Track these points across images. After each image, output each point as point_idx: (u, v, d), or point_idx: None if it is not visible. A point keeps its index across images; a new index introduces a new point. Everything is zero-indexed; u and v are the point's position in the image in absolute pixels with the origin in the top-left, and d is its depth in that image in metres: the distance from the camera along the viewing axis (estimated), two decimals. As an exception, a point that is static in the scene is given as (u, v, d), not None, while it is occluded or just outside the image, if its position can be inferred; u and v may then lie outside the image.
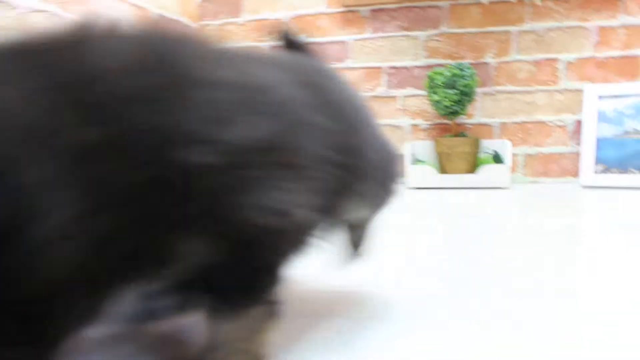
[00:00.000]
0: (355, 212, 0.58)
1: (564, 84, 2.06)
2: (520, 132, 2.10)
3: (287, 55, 0.59)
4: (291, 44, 0.63)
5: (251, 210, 0.38)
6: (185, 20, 2.25)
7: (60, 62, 0.32)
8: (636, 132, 1.94)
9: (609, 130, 1.98)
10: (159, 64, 0.36)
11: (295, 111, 0.44)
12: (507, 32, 2.09)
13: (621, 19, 2.01)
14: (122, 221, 0.32)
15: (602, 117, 1.99)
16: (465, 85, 1.91)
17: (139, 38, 0.37)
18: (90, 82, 0.32)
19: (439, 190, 1.95)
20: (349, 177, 0.51)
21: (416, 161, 2.11)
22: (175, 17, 2.17)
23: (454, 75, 1.92)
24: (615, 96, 1.99)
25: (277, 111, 0.41)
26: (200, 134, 0.35)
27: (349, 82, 0.58)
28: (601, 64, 2.04)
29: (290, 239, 0.44)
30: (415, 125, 2.17)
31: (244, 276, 0.41)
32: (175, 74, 0.36)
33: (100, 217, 0.30)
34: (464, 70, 1.93)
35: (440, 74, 1.94)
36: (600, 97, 2.00)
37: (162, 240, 0.35)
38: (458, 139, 1.97)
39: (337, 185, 0.49)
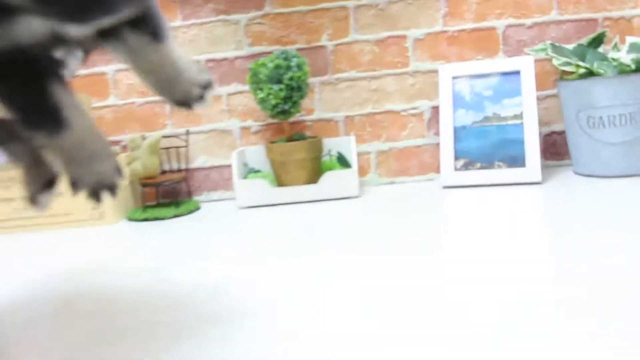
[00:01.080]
0: None
1: (414, 65, 1.77)
2: (369, 125, 1.80)
3: None
4: None
5: None
6: None
7: None
8: (498, 117, 1.68)
9: (467, 118, 1.70)
10: None
11: None
12: (343, 7, 1.76)
13: (473, -15, 1.74)
14: None
15: (459, 102, 1.71)
16: (292, 78, 1.58)
17: None
18: None
19: (274, 207, 1.63)
20: None
21: (251, 171, 1.77)
22: None
23: (278, 67, 1.58)
24: (472, 76, 1.72)
25: None
26: None
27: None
28: (454, 39, 1.76)
29: None
30: (245, 128, 1.82)
31: None
32: None
33: None
34: (290, 60, 1.59)
35: (263, 65, 1.59)
36: (454, 78, 1.73)
37: None
38: (292, 144, 1.63)
39: None
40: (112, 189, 0.70)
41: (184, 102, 0.72)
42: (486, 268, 0.89)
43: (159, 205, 1.72)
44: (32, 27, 0.54)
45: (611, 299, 0.72)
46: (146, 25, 0.65)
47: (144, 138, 1.72)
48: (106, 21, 0.49)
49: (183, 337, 0.73)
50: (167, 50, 0.68)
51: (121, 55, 0.67)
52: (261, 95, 1.60)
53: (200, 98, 0.73)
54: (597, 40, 1.65)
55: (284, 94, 1.58)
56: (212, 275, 1.01)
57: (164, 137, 1.78)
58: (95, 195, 0.69)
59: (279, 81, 1.58)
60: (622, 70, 1.51)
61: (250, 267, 1.04)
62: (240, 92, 1.80)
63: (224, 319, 0.78)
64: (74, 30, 0.49)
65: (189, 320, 0.79)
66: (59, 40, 0.58)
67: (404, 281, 0.86)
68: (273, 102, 1.59)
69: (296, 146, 1.63)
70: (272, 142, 1.69)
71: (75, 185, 0.68)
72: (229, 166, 1.82)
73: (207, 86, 0.73)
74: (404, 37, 1.76)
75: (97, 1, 0.47)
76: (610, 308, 0.70)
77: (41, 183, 0.79)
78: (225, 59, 1.80)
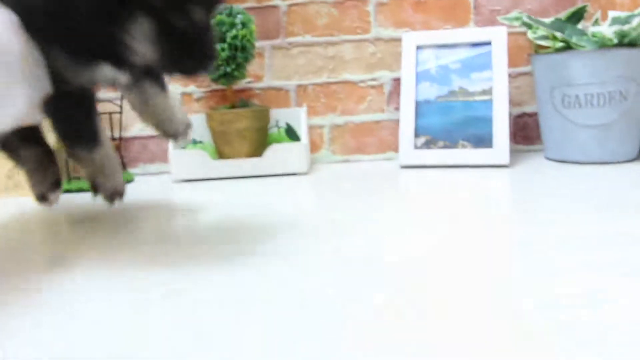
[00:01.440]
0: None
1: (375, 31, 1.60)
2: (324, 96, 1.63)
3: None
4: None
5: None
6: None
7: None
8: (464, 92, 1.52)
9: (431, 91, 1.55)
10: None
11: None
12: (300, -36, 1.59)
13: (444, -54, 1.57)
14: None
15: (424, 75, 1.56)
16: (236, 37, 1.40)
17: None
18: None
19: (214, 181, 1.46)
20: None
21: (194, 142, 1.59)
22: None
23: (221, 23, 1.40)
24: (438, 46, 1.56)
25: None
26: None
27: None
28: (420, 5, 1.60)
29: None
30: (187, 94, 1.64)
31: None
32: None
33: None
34: (234, 17, 1.42)
35: (205, 21, 1.41)
36: (419, 47, 1.57)
37: None
38: (235, 112, 1.46)
39: None
40: (121, 195, 1.00)
41: (174, 136, 0.98)
42: (439, 257, 0.74)
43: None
44: (106, 73, 0.74)
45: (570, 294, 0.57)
46: (158, 79, 0.93)
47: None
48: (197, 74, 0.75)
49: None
50: (168, 98, 0.96)
51: (136, 98, 0.91)
52: (202, 55, 1.42)
53: (185, 134, 0.99)
54: (577, 15, 1.51)
55: (226, 54, 1.40)
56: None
57: (97, 101, 1.59)
58: (110, 199, 0.96)
59: (222, 40, 1.40)
60: (603, 45, 1.37)
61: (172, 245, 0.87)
62: (181, 53, 1.62)
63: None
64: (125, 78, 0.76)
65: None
66: (112, 81, 0.78)
67: (344, 274, 0.70)
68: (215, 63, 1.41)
69: (239, 114, 1.46)
70: (213, 110, 1.51)
71: (96, 191, 0.95)
72: (166, 135, 1.64)
73: (189, 126, 1.01)
74: (365, 0, 1.60)
75: (201, 64, 0.73)
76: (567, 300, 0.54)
77: (50, 183, 0.99)
78: (165, 15, 1.61)
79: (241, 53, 1.42)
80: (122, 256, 0.82)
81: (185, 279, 0.71)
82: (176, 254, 0.81)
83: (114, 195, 0.97)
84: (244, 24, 1.42)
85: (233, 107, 1.49)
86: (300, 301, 0.61)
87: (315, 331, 0.53)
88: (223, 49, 1.40)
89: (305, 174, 1.48)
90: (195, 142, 1.59)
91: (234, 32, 1.40)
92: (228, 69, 1.42)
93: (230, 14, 1.42)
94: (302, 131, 1.51)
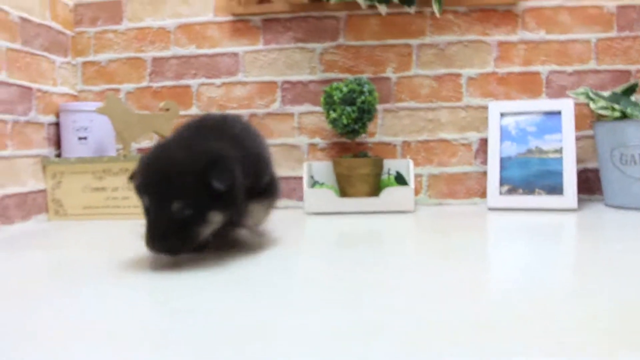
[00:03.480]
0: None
1: (466, 100, 2.05)
2: (424, 151, 2.07)
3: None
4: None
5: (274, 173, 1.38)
6: (55, 25, 2.07)
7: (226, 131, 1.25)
8: (540, 150, 1.95)
9: (512, 149, 1.98)
10: (249, 131, 1.34)
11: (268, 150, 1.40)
12: (407, 45, 2.06)
13: (520, 34, 2.03)
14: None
15: (506, 136, 1.99)
16: (364, 102, 1.85)
17: (234, 116, 1.38)
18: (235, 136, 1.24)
19: (339, 215, 1.88)
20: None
21: (315, 183, 2.03)
22: (42, 22, 1.99)
23: (352, 90, 1.86)
24: (517, 113, 2.00)
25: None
26: (265, 149, 1.38)
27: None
28: (503, 80, 2.04)
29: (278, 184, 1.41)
30: (313, 145, 2.09)
31: (269, 190, 1.34)
32: (256, 135, 1.36)
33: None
34: (362, 86, 1.87)
35: (338, 89, 1.87)
36: (502, 114, 2.00)
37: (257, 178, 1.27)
38: (358, 160, 1.90)
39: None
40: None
41: (252, 228, 1.34)
42: (523, 283, 1.14)
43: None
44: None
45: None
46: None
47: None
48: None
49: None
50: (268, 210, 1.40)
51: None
52: (334, 115, 1.87)
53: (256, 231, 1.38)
54: (630, 90, 1.94)
55: (355, 115, 1.85)
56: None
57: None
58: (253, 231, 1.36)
59: (352, 103, 1.85)
60: (653, 116, 1.80)
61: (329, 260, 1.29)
62: (311, 112, 2.08)
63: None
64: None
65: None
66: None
67: (451, 289, 1.11)
68: (345, 121, 1.86)
69: (362, 162, 1.90)
70: (340, 157, 1.95)
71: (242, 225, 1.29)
72: (295, 177, 2.09)
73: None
74: (459, 75, 2.05)
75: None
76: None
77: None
78: (299, 82, 2.08)
79: (367, 115, 1.87)
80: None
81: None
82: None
83: (255, 225, 1.34)
84: (369, 92, 1.87)
85: (355, 156, 1.93)
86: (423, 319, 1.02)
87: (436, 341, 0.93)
88: (353, 111, 1.85)
89: (412, 212, 1.90)
90: (319, 183, 2.03)
91: (362, 97, 1.85)
92: (355, 127, 1.87)
93: (359, 84, 1.87)
94: (410, 178, 1.94)
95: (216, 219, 1.12)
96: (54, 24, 2.07)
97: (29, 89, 1.91)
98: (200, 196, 1.07)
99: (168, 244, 1.07)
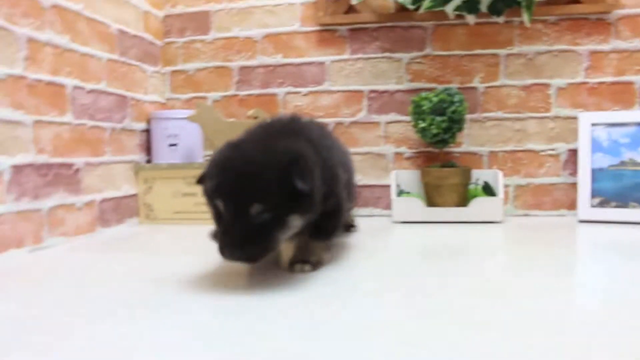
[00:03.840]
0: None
1: (555, 110, 2.03)
2: (511, 161, 2.05)
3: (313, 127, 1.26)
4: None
5: (342, 195, 1.21)
6: (147, 37, 2.14)
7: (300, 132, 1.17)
8: (633, 162, 1.91)
9: (604, 161, 1.94)
10: (322, 132, 1.26)
11: (347, 165, 1.33)
12: (495, 55, 2.05)
13: (613, 43, 2.00)
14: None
15: (597, 147, 1.96)
16: (454, 112, 1.85)
17: (309, 121, 1.28)
18: (310, 139, 1.15)
19: (426, 224, 1.88)
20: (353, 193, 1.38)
21: (401, 192, 2.04)
22: (137, 33, 2.06)
23: (442, 100, 1.86)
24: (610, 124, 1.96)
25: (345, 166, 1.28)
26: (339, 167, 1.22)
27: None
28: (593, 90, 2.01)
29: (345, 213, 1.27)
30: (398, 154, 2.10)
31: (330, 225, 1.21)
32: (332, 140, 1.30)
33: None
34: (453, 96, 1.87)
35: (427, 99, 1.87)
36: (593, 125, 1.97)
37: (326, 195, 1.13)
38: (448, 170, 1.90)
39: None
40: (322, 264, 1.24)
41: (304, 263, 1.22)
42: (612, 298, 1.12)
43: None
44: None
45: None
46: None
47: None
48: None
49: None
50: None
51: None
52: (423, 124, 1.88)
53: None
54: None
55: (445, 125, 1.85)
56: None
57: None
58: (314, 266, 1.20)
59: (442, 113, 1.85)
60: None
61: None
62: (397, 122, 2.09)
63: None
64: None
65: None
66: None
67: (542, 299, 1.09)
68: (434, 131, 1.86)
69: (451, 172, 1.89)
70: (427, 167, 1.95)
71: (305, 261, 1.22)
72: (380, 186, 2.10)
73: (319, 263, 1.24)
74: (547, 85, 2.03)
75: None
76: None
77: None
78: (386, 91, 2.10)
79: (456, 125, 1.87)
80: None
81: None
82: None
83: (317, 264, 1.20)
84: (460, 102, 1.87)
85: (443, 166, 1.93)
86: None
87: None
88: (443, 121, 1.85)
89: (500, 222, 1.88)
90: (405, 192, 2.03)
91: (452, 107, 1.85)
92: (445, 137, 1.87)
93: (449, 94, 1.87)
94: (499, 188, 1.93)
95: (296, 223, 1.05)
96: (146, 35, 2.13)
97: (124, 97, 1.97)
98: (280, 198, 1.00)
99: (247, 251, 0.99)
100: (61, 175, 1.63)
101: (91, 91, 1.77)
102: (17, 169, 1.46)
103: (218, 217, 1.04)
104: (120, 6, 1.95)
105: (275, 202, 0.99)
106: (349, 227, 1.70)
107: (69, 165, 1.67)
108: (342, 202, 1.20)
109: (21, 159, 1.47)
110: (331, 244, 1.22)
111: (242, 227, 0.99)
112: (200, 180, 1.10)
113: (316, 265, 1.20)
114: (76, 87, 1.70)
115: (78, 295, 1.04)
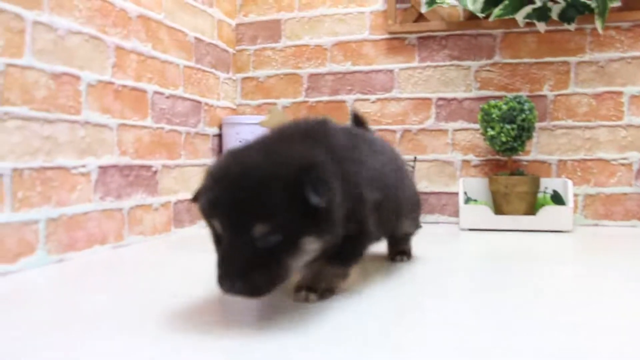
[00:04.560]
0: (403, 228, 1.30)
1: (628, 119, 2.00)
2: (580, 170, 2.04)
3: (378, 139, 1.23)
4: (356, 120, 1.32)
5: (366, 221, 0.99)
6: (221, 44, 2.22)
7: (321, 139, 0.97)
8: None
9: (679, 171, 1.91)
10: (353, 141, 1.05)
11: (385, 182, 1.08)
12: (565, 62, 2.04)
13: (689, 51, 1.97)
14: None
15: (672, 156, 1.93)
16: (524, 120, 1.86)
17: (342, 128, 1.07)
18: (333, 148, 0.96)
19: (493, 232, 1.88)
20: (399, 210, 1.18)
21: (468, 200, 2.05)
22: (211, 41, 2.14)
23: (512, 108, 1.86)
24: (686, 134, 1.93)
25: (381, 187, 1.05)
26: (365, 187, 0.98)
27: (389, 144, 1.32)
28: (669, 98, 1.98)
29: (370, 242, 1.06)
30: (466, 161, 2.11)
31: (348, 251, 0.99)
32: (361, 153, 1.05)
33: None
34: (522, 104, 1.87)
35: (497, 107, 1.88)
36: (669, 134, 1.94)
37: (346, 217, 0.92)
38: (517, 178, 1.90)
39: (396, 215, 1.17)
40: (333, 293, 1.01)
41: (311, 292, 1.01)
42: None
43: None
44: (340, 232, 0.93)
45: None
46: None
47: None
48: None
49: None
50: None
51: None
52: (492, 132, 1.89)
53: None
54: None
55: (515, 133, 1.86)
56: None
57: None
58: (322, 296, 0.98)
59: (512, 121, 1.86)
60: None
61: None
62: (465, 129, 2.11)
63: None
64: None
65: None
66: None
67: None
68: (503, 139, 1.87)
69: (520, 180, 1.90)
70: (496, 175, 1.96)
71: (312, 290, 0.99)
72: (447, 193, 2.12)
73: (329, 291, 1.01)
74: (620, 93, 2.01)
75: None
76: None
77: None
78: (454, 99, 2.12)
79: (526, 133, 1.87)
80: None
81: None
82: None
83: (325, 292, 0.98)
84: (530, 110, 1.87)
85: (512, 174, 1.94)
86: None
87: None
88: (513, 129, 1.85)
89: (569, 231, 1.87)
90: (472, 200, 2.04)
91: (522, 116, 1.85)
92: (514, 145, 1.87)
93: (519, 102, 1.87)
94: (569, 197, 1.92)
95: (311, 247, 0.86)
96: (219, 43, 2.22)
97: (199, 102, 2.05)
98: (291, 216, 0.81)
99: (250, 282, 0.80)
100: (141, 177, 1.72)
101: (169, 96, 1.86)
102: (103, 169, 1.54)
103: (217, 240, 0.87)
104: (196, 15, 2.04)
105: (284, 221, 0.81)
106: (403, 253, 1.38)
107: (148, 167, 1.75)
108: (366, 226, 1.00)
109: (106, 160, 1.56)
110: (349, 272, 1.02)
111: (243, 253, 0.80)
112: (196, 197, 0.89)
113: (324, 294, 0.98)
114: (156, 93, 1.78)
115: (160, 289, 1.10)
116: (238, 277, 0.79)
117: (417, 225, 1.37)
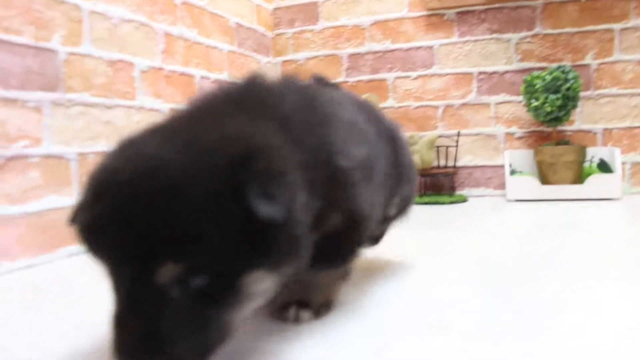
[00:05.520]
0: (390, 209, 0.90)
1: (674, 85, 1.99)
2: (627, 138, 2.03)
3: (346, 94, 0.86)
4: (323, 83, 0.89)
5: (358, 201, 0.69)
6: (260, 28, 2.25)
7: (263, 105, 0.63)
8: None
9: None
10: (315, 106, 0.68)
11: (371, 140, 0.76)
12: (609, 30, 2.03)
13: None
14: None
15: None
16: (569, 89, 1.86)
17: (297, 88, 0.70)
18: (284, 115, 0.62)
19: (541, 202, 1.89)
20: (395, 183, 0.85)
21: (513, 172, 2.06)
22: (251, 26, 2.18)
23: (556, 78, 1.86)
24: None
25: (364, 140, 0.74)
26: (343, 150, 0.66)
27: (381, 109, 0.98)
28: None
29: (370, 226, 0.75)
30: (509, 134, 2.12)
31: (342, 247, 0.73)
32: (325, 113, 0.68)
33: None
34: (566, 73, 1.87)
35: (540, 77, 1.89)
36: None
37: (324, 212, 0.63)
38: (562, 147, 1.90)
39: (390, 189, 0.83)
40: (329, 307, 0.77)
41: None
42: None
43: (433, 194, 2.06)
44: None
45: None
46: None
47: (418, 137, 2.07)
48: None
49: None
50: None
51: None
52: (535, 103, 1.89)
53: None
54: None
55: (559, 103, 1.86)
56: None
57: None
58: (317, 312, 0.73)
59: (556, 91, 1.86)
60: None
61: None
62: (508, 102, 2.11)
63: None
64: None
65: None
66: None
67: None
68: (548, 109, 1.87)
69: (566, 150, 1.90)
70: (541, 145, 1.96)
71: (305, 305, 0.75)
72: (492, 166, 2.13)
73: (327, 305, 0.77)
74: (665, 58, 1.99)
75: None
76: None
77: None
78: (495, 72, 2.12)
79: (571, 102, 1.87)
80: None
81: None
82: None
83: (322, 307, 0.74)
84: (575, 79, 1.87)
85: (558, 144, 1.94)
86: None
87: None
88: (558, 98, 1.85)
89: (618, 199, 1.87)
90: (516, 171, 2.05)
91: (567, 85, 1.85)
92: (559, 115, 1.88)
93: (563, 72, 1.87)
94: (617, 166, 1.92)
95: (261, 286, 0.54)
96: (259, 27, 2.25)
97: (242, 87, 2.09)
98: (223, 243, 0.49)
99: (169, 359, 0.48)
100: (192, 160, 1.76)
101: (215, 81, 1.90)
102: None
103: (114, 286, 0.52)
104: (236, 0, 2.07)
105: (212, 252, 0.49)
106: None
107: (198, 151, 1.79)
108: (360, 217, 0.72)
109: (160, 144, 1.60)
110: (349, 270, 0.78)
111: (149, 311, 0.48)
112: (74, 217, 0.54)
113: (320, 310, 0.74)
114: (203, 77, 1.83)
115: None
116: (141, 354, 0.48)
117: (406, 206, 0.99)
